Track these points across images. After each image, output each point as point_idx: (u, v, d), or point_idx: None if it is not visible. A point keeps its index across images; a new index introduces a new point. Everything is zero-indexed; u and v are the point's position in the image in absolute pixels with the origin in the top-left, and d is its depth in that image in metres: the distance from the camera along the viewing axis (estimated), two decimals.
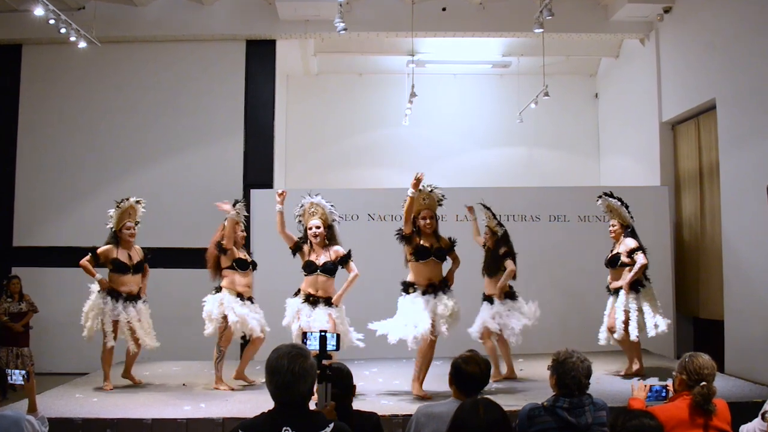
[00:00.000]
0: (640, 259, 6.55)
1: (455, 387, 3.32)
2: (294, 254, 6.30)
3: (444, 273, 6.20)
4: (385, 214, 8.93)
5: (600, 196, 7.04)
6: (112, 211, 6.62)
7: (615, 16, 9.47)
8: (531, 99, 10.44)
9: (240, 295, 6.48)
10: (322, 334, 3.09)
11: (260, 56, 9.86)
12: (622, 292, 6.68)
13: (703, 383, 3.23)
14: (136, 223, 6.74)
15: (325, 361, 3.00)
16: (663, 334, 6.62)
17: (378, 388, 6.41)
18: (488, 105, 12.19)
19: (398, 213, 8.79)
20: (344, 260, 6.21)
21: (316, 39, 10.50)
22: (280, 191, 6.28)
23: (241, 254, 6.60)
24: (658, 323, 6.53)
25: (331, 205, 6.29)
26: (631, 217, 6.87)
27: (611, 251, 6.92)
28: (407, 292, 6.03)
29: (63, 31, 8.17)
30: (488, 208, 7.02)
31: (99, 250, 6.54)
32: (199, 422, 5.24)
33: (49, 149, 9.72)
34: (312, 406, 2.54)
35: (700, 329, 9.06)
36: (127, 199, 6.69)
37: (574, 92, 12.07)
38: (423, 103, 10.56)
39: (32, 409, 3.71)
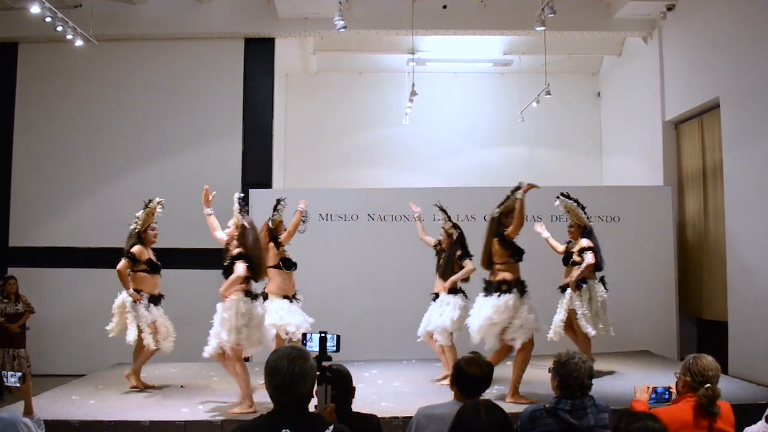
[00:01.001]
0: (587, 258, 6.63)
1: (457, 388, 3.30)
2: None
3: None
4: (385, 214, 8.89)
5: (557, 197, 7.07)
6: (140, 213, 6.55)
7: (617, 14, 9.43)
8: (532, 98, 10.39)
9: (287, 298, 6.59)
10: (322, 335, 3.07)
11: (259, 54, 9.80)
12: (568, 290, 6.78)
13: (708, 385, 3.20)
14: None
15: (324, 363, 2.98)
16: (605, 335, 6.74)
17: (378, 390, 6.35)
18: (489, 104, 12.14)
19: (398, 213, 8.86)
20: (234, 260, 5.69)
21: (316, 37, 10.44)
22: (207, 192, 6.07)
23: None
24: (602, 324, 6.67)
25: (240, 205, 5.94)
26: (588, 218, 6.93)
27: (568, 249, 7.02)
28: (524, 291, 5.85)
29: (59, 29, 8.09)
30: (443, 210, 6.97)
31: (134, 250, 6.42)
32: (197, 424, 5.22)
33: (45, 148, 9.64)
34: (311, 408, 2.52)
35: (703, 330, 9.01)
36: (153, 200, 6.66)
37: (576, 91, 12.02)
38: (423, 102, 10.50)
39: (28, 411, 3.68)
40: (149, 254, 6.55)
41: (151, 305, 6.49)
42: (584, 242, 6.76)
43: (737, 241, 7.68)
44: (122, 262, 6.32)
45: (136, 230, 6.53)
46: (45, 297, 8.90)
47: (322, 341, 3.06)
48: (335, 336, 3.09)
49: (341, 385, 3.18)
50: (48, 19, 7.85)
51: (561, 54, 11.00)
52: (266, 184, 9.61)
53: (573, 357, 3.19)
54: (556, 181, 10.79)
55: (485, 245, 5.96)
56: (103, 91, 9.72)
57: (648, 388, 3.56)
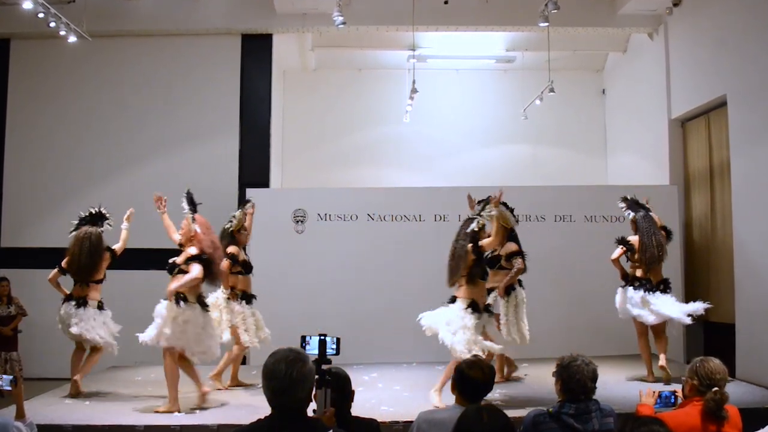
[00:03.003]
0: (517, 264, 6.57)
1: (458, 392, 3.26)
2: None
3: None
4: (385, 214, 8.81)
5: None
6: (237, 213, 6.75)
7: (622, 10, 9.35)
8: (536, 95, 10.31)
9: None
10: (321, 338, 3.00)
11: (256, 51, 9.73)
12: (492, 294, 6.67)
13: (715, 389, 3.17)
14: None
15: (324, 366, 2.90)
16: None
17: (378, 394, 6.30)
18: (491, 101, 12.06)
19: (398, 213, 8.76)
20: None
21: (314, 33, 10.39)
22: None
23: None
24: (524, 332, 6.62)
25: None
26: (517, 221, 6.86)
27: (493, 252, 6.88)
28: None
29: (52, 25, 8.03)
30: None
31: (232, 251, 6.58)
32: (193, 429, 5.23)
33: (38, 147, 9.57)
34: (310, 412, 2.47)
35: (710, 333, 8.92)
36: (249, 201, 6.99)
37: (580, 88, 11.92)
38: (424, 99, 10.44)
39: (20, 414, 3.65)
40: (244, 255, 6.74)
41: (243, 302, 6.66)
42: (512, 246, 6.68)
43: (745, 241, 7.58)
44: (225, 262, 6.41)
45: (230, 230, 6.71)
46: (38, 299, 8.74)
47: (322, 344, 2.97)
48: (335, 339, 3.01)
49: (340, 388, 3.13)
50: (41, 15, 7.80)
51: (565, 51, 10.92)
52: (264, 183, 9.54)
53: (576, 360, 3.16)
54: (560, 180, 10.72)
55: (659, 243, 6.73)
56: (97, 88, 9.66)
57: (653, 392, 3.54)
